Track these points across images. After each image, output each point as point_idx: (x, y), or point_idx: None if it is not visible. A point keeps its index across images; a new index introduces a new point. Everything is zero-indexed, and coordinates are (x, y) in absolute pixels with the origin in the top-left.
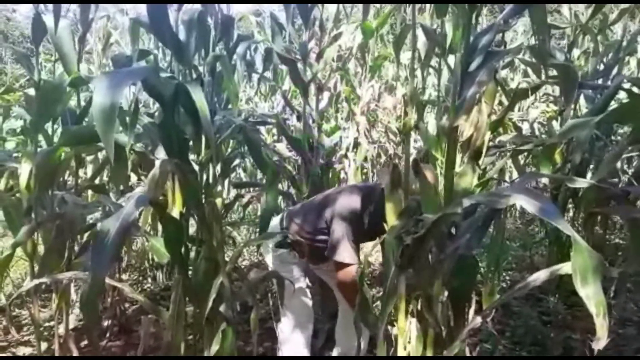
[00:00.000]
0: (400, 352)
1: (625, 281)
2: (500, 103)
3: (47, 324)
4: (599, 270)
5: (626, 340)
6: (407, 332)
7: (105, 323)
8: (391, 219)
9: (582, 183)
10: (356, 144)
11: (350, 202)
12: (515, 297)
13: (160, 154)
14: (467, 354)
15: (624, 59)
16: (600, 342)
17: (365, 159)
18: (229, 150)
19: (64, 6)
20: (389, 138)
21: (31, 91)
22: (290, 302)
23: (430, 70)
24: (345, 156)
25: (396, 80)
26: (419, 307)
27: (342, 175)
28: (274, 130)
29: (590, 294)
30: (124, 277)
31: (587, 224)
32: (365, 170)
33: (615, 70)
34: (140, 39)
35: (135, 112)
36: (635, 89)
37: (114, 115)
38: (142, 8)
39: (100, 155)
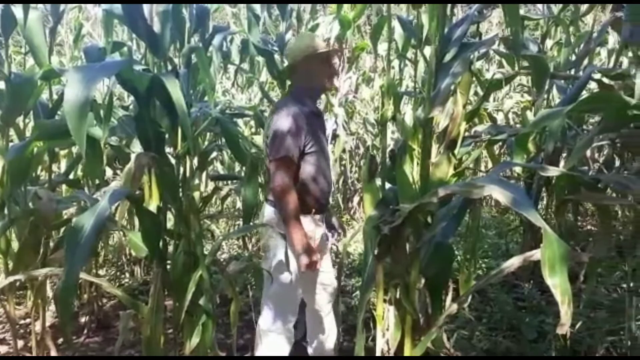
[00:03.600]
0: (379, 339)
1: (596, 266)
2: (476, 94)
3: (23, 321)
4: (566, 260)
5: (596, 323)
6: (385, 320)
7: (83, 319)
8: (369, 209)
9: (553, 171)
10: (334, 136)
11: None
12: (491, 284)
13: (136, 147)
14: (445, 340)
15: (595, 49)
16: (564, 327)
17: (344, 151)
18: (206, 143)
19: None
20: (367, 130)
21: (1, 85)
22: (272, 290)
23: (407, 61)
24: None
25: (374, 72)
26: (397, 295)
27: None
28: (252, 123)
29: (557, 283)
30: (101, 272)
31: (559, 211)
32: (343, 162)
33: (586, 61)
34: (113, 30)
35: (110, 106)
36: (605, 79)
37: (87, 111)
38: None
39: (75, 149)
